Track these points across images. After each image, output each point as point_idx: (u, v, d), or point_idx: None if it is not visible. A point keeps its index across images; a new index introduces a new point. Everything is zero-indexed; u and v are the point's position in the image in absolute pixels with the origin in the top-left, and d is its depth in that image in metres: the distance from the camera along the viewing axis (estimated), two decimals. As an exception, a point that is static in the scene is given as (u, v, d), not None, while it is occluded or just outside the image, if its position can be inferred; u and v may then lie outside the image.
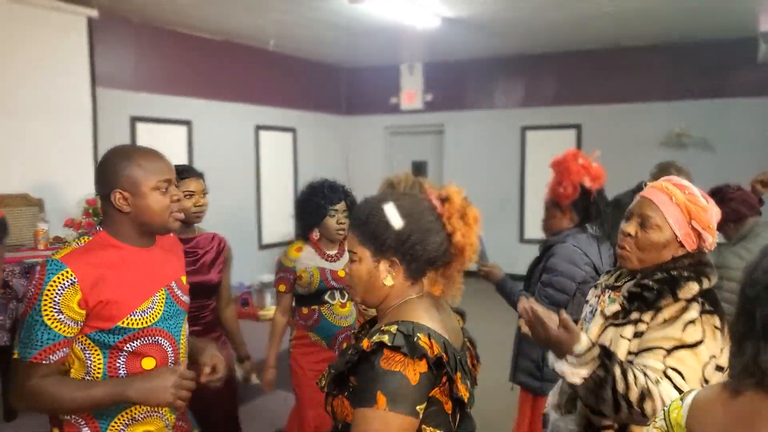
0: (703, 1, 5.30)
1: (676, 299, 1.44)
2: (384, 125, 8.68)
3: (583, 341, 1.37)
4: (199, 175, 2.26)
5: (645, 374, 1.36)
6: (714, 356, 1.41)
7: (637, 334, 1.47)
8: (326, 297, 2.49)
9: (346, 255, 1.51)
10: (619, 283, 1.62)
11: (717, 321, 1.43)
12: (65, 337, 1.36)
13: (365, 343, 1.08)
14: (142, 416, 1.45)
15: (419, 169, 8.58)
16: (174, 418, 1.53)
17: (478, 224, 1.21)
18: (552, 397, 1.72)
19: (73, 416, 1.42)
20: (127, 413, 1.43)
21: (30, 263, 3.29)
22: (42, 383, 1.36)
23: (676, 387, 1.34)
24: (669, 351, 1.39)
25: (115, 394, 1.36)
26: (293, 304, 2.58)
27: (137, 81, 5.96)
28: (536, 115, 7.75)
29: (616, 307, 1.54)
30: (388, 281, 1.18)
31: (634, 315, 1.49)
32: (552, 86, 7.70)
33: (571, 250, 2.27)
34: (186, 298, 1.59)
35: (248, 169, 7.24)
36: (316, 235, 2.51)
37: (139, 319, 1.42)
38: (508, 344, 2.58)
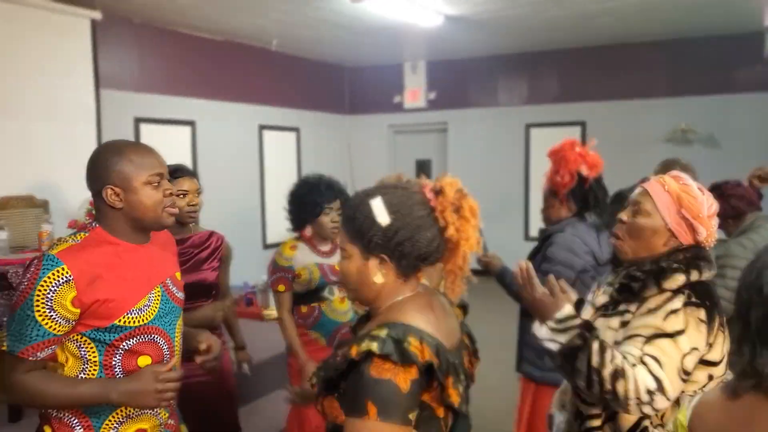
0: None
1: (661, 290, 1.44)
2: (387, 124, 8.67)
3: (566, 309, 1.42)
4: (193, 175, 2.25)
5: (625, 357, 1.38)
6: (696, 348, 1.40)
7: (623, 324, 1.48)
8: (325, 293, 2.48)
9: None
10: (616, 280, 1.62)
11: (702, 314, 1.42)
12: (55, 335, 1.35)
13: (353, 350, 1.03)
14: (136, 414, 1.44)
15: (423, 167, 8.57)
16: (167, 415, 1.53)
17: (476, 217, 1.14)
18: (556, 398, 1.71)
19: (65, 414, 1.41)
20: (121, 411, 1.43)
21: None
22: (26, 378, 1.36)
23: (651, 373, 1.35)
24: (648, 338, 1.40)
25: (99, 394, 1.36)
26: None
27: (141, 82, 5.98)
28: (540, 113, 7.73)
29: (605, 298, 1.56)
30: (378, 279, 1.14)
31: (622, 306, 1.50)
32: (556, 83, 7.67)
33: (570, 239, 2.27)
34: (181, 295, 1.58)
35: (252, 168, 7.25)
36: (308, 231, 2.49)
37: (136, 317, 1.41)
38: (510, 341, 2.57)
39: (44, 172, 4.67)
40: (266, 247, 7.31)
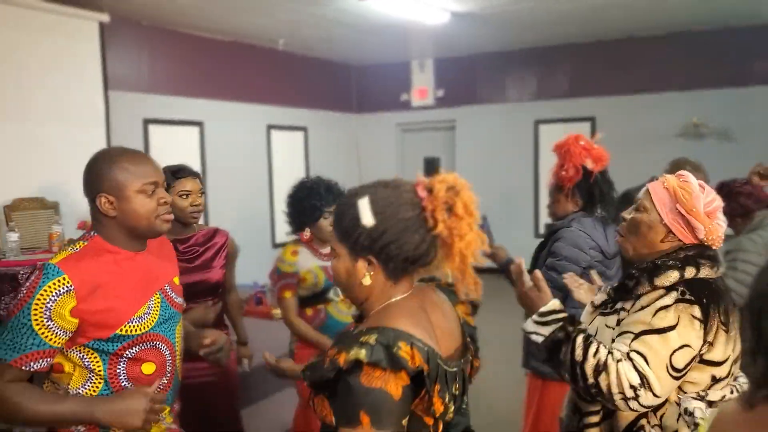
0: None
1: (653, 287, 1.44)
2: (395, 122, 8.65)
3: (551, 303, 1.46)
4: (195, 175, 2.24)
5: (610, 352, 1.39)
6: (688, 345, 1.38)
7: (620, 323, 1.49)
8: (330, 294, 2.46)
9: None
10: None
11: (696, 310, 1.40)
12: (50, 346, 1.32)
13: (341, 358, 1.00)
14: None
15: (431, 165, 8.54)
16: (171, 419, 1.53)
17: (471, 214, 1.09)
18: (567, 400, 1.70)
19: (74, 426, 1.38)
20: None
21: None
22: (6, 388, 1.30)
23: (636, 369, 1.36)
24: (637, 335, 1.40)
25: (82, 413, 1.31)
26: None
27: (149, 83, 6.01)
28: (549, 109, 7.67)
29: (603, 297, 1.57)
30: (366, 281, 1.10)
31: (619, 304, 1.51)
32: (565, 79, 7.61)
33: (576, 234, 2.26)
34: (180, 300, 1.57)
35: (260, 168, 7.27)
36: (306, 233, 2.47)
37: (137, 326, 1.40)
38: (517, 337, 2.55)
39: (54, 174, 4.70)
40: (275, 246, 7.32)
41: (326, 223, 2.40)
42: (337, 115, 8.46)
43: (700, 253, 1.48)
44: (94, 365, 1.38)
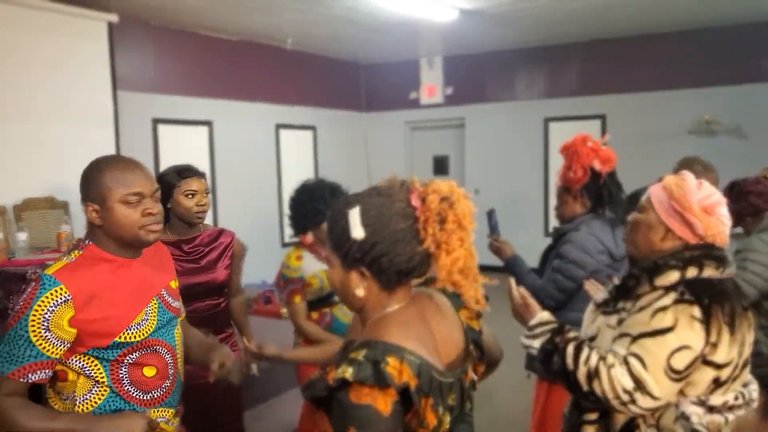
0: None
1: (653, 287, 1.44)
2: (404, 120, 8.63)
3: (538, 316, 1.53)
4: (201, 175, 2.23)
5: (603, 357, 1.40)
6: (687, 346, 1.36)
7: (620, 322, 1.49)
8: (336, 297, 2.44)
9: None
10: None
11: (696, 311, 1.37)
12: (48, 357, 1.31)
13: (330, 375, 0.99)
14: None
15: (440, 163, 8.51)
16: (178, 421, 1.53)
17: (464, 228, 1.04)
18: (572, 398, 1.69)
19: None
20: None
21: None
22: (3, 402, 1.29)
23: (631, 373, 1.36)
24: (635, 338, 1.40)
25: (80, 429, 1.30)
26: None
27: (158, 83, 6.03)
28: (559, 106, 7.61)
29: (604, 296, 1.58)
30: (360, 292, 1.08)
31: (620, 304, 1.51)
32: (575, 76, 7.54)
33: (585, 237, 2.23)
34: (177, 304, 1.56)
35: (269, 167, 7.27)
36: (309, 237, 2.44)
37: (135, 333, 1.40)
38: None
39: (64, 174, 4.73)
40: (284, 245, 7.33)
41: None
42: (345, 113, 8.45)
43: (706, 253, 1.46)
44: (95, 373, 1.38)
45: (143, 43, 5.90)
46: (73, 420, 1.32)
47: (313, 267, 2.43)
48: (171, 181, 2.16)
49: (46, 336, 1.29)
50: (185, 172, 2.18)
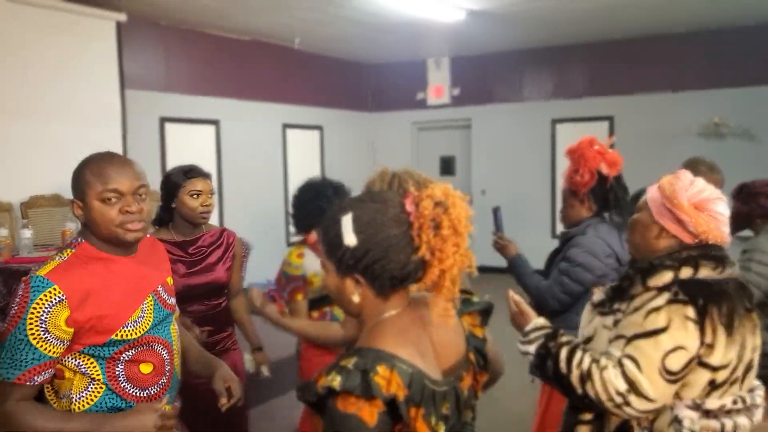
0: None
1: (646, 287, 1.43)
2: (411, 121, 8.61)
3: (533, 323, 1.54)
4: (206, 175, 2.22)
5: (596, 360, 1.41)
6: (682, 347, 1.35)
7: (616, 323, 1.49)
8: None
9: None
10: None
11: (690, 311, 1.36)
12: (51, 357, 1.31)
13: (320, 382, 0.98)
14: None
15: (447, 164, 8.49)
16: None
17: (459, 234, 1.01)
18: None
19: None
20: None
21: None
22: (16, 408, 1.30)
23: (624, 375, 1.36)
24: (629, 339, 1.40)
25: (92, 431, 1.31)
26: None
27: (165, 82, 6.05)
28: (567, 108, 7.57)
29: (601, 297, 1.58)
30: (355, 298, 1.07)
31: (616, 305, 1.51)
32: (582, 77, 7.50)
33: (593, 241, 2.22)
34: (172, 300, 1.55)
35: (276, 167, 7.28)
36: (312, 236, 2.42)
37: (131, 330, 1.39)
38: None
39: (70, 172, 4.71)
40: (290, 245, 7.33)
41: None
42: (352, 113, 8.45)
43: (704, 253, 1.44)
44: (91, 371, 1.37)
45: (151, 42, 5.92)
46: (84, 420, 1.32)
47: (315, 265, 2.42)
48: (176, 180, 2.16)
49: (46, 337, 1.29)
50: (191, 172, 2.18)
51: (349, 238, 1.04)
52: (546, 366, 1.47)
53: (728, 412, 1.39)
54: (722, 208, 1.46)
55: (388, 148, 8.68)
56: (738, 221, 2.64)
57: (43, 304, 1.28)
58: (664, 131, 6.96)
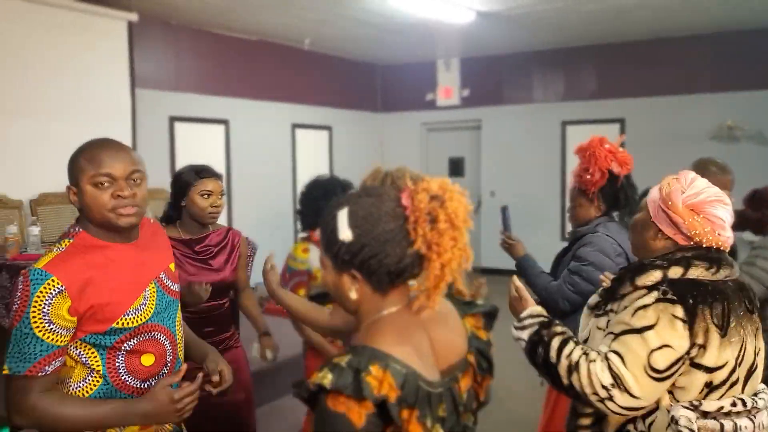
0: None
1: (635, 287, 1.43)
2: (420, 121, 8.60)
3: (529, 309, 1.54)
4: (217, 176, 2.22)
5: (586, 353, 1.40)
6: (668, 345, 1.33)
7: (609, 324, 1.49)
8: None
9: None
10: None
11: (678, 310, 1.35)
12: (59, 346, 1.31)
13: (312, 378, 0.96)
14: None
15: (456, 165, 8.46)
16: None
17: (456, 228, 0.99)
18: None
19: None
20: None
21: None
22: (42, 401, 1.30)
23: (610, 369, 1.35)
24: (617, 335, 1.40)
25: (120, 415, 1.33)
26: None
27: (176, 81, 6.07)
28: (577, 110, 7.52)
29: (596, 299, 1.57)
30: (353, 295, 1.05)
31: (609, 306, 1.51)
32: (593, 79, 7.45)
33: (603, 239, 2.20)
34: (176, 287, 1.53)
35: (285, 167, 7.29)
36: (317, 233, 2.42)
37: (133, 318, 1.38)
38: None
39: (80, 170, 4.77)
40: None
41: None
42: (362, 114, 8.44)
43: (699, 254, 1.42)
44: (91, 361, 1.36)
45: (162, 42, 5.95)
46: (112, 405, 1.33)
47: (319, 261, 2.41)
48: (188, 179, 2.16)
49: (51, 328, 1.29)
50: (203, 172, 2.18)
51: (345, 233, 1.03)
52: (537, 353, 1.47)
53: (727, 414, 1.36)
54: (721, 211, 1.42)
55: (397, 149, 8.67)
56: (749, 226, 2.60)
57: (44, 296, 1.28)
58: (676, 134, 6.89)
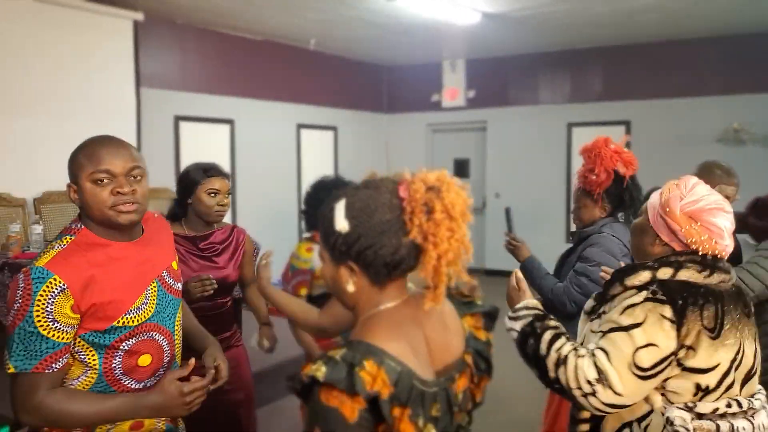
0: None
1: (625, 287, 1.43)
2: (426, 123, 8.58)
3: (525, 301, 1.54)
4: (225, 175, 2.22)
5: (576, 348, 1.40)
6: (654, 344, 1.32)
7: (600, 325, 1.48)
8: None
9: None
10: None
11: (667, 310, 1.34)
12: (65, 343, 1.30)
13: (305, 371, 0.96)
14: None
15: (461, 166, 8.44)
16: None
17: (453, 219, 0.98)
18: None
19: None
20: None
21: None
22: (49, 398, 1.29)
23: (596, 365, 1.35)
24: (605, 333, 1.40)
25: (129, 408, 1.33)
26: None
27: (181, 81, 6.08)
28: (583, 111, 7.49)
29: (591, 303, 1.57)
30: (350, 287, 1.04)
31: (602, 308, 1.50)
32: (599, 81, 7.42)
33: (610, 240, 2.18)
34: (178, 286, 1.52)
35: (290, 167, 7.29)
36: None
37: (134, 317, 1.37)
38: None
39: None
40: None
41: None
42: (367, 114, 8.44)
43: (692, 258, 1.40)
44: (89, 359, 1.35)
45: (167, 41, 5.96)
46: (119, 400, 1.33)
47: None
48: (195, 177, 2.17)
49: (56, 326, 1.28)
50: (210, 170, 2.18)
51: (341, 224, 1.03)
52: (527, 344, 1.47)
53: (722, 415, 1.35)
54: (721, 220, 1.40)
55: (403, 150, 8.66)
56: (751, 233, 2.57)
57: (47, 295, 1.27)
58: (682, 137, 6.85)
